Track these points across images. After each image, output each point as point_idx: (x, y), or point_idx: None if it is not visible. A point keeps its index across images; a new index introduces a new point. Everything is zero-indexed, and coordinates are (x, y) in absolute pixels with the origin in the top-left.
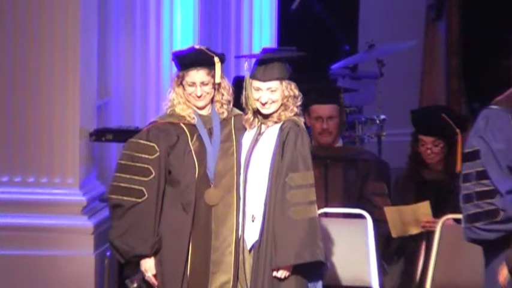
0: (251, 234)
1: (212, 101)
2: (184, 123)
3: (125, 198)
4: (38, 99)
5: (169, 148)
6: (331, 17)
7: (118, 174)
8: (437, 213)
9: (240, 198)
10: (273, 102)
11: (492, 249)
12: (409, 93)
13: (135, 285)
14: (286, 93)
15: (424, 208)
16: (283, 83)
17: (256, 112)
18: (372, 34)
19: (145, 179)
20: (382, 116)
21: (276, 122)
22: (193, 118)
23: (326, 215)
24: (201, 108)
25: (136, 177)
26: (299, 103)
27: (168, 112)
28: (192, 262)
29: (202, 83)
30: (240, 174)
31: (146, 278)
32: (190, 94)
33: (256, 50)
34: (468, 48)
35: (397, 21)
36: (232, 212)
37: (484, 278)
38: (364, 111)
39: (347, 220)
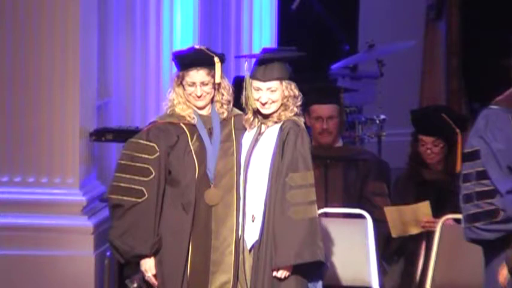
0: (251, 234)
1: (212, 101)
2: (184, 123)
3: (125, 198)
4: (38, 99)
5: (169, 148)
6: (331, 17)
7: (118, 174)
8: (437, 213)
9: (240, 198)
10: (273, 102)
11: (492, 249)
12: (409, 93)
13: (135, 285)
14: (286, 93)
15: (424, 208)
16: (283, 83)
17: (256, 112)
18: (372, 34)
19: (145, 179)
20: (382, 116)
21: (276, 122)
22: (193, 118)
23: (326, 215)
24: (201, 108)
25: (136, 177)
26: (299, 103)
27: (168, 112)
28: (192, 262)
29: (202, 83)
30: (240, 174)
31: (146, 278)
32: (190, 94)
33: (256, 50)
34: (468, 48)
35: (397, 21)
36: (232, 212)
37: (484, 278)
38: (364, 111)
39: (347, 220)
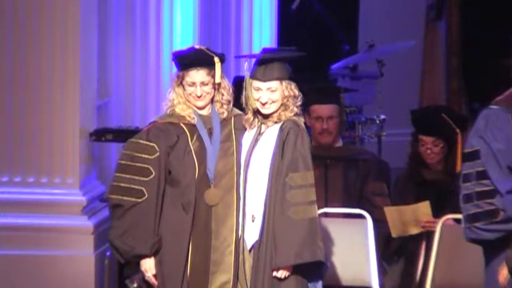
0: (251, 234)
1: (212, 101)
2: (184, 123)
3: (125, 198)
4: (38, 99)
5: (169, 148)
6: (331, 17)
7: (118, 174)
8: (437, 213)
9: (240, 198)
10: (273, 102)
11: (492, 249)
12: (409, 93)
13: (135, 285)
14: (286, 93)
15: (424, 208)
16: (283, 83)
17: (256, 112)
18: (372, 34)
19: (145, 179)
20: (382, 116)
21: (276, 122)
22: (193, 118)
23: (326, 215)
24: (201, 108)
25: (136, 177)
26: (299, 103)
27: (168, 112)
28: (192, 262)
29: (202, 83)
30: (240, 174)
31: (146, 278)
32: (190, 94)
33: (256, 50)
34: (468, 48)
35: (397, 21)
36: (232, 212)
37: (484, 278)
38: (364, 111)
39: (347, 220)
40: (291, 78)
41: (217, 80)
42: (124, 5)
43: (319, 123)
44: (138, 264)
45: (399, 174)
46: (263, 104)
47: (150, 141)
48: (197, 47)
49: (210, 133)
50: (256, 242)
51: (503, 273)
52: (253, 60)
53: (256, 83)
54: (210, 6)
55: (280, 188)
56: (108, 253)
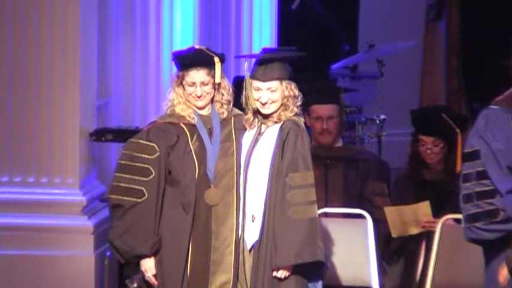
0: (251, 234)
1: (212, 101)
2: (184, 123)
3: (125, 198)
4: (38, 99)
5: (169, 148)
6: (331, 17)
7: (118, 174)
8: (437, 213)
9: (240, 198)
10: (273, 102)
11: (492, 249)
12: (409, 93)
13: (135, 285)
14: (286, 93)
15: (424, 208)
16: (283, 83)
17: (256, 112)
18: (372, 34)
19: (145, 179)
20: (382, 116)
21: (276, 122)
22: (193, 118)
23: (326, 215)
24: (201, 108)
25: (136, 177)
26: (299, 103)
27: (168, 112)
28: (192, 262)
29: (202, 83)
30: (240, 174)
31: (146, 278)
32: (190, 94)
33: (256, 50)
34: (468, 48)
35: (397, 21)
36: (232, 212)
37: (484, 278)
38: (364, 111)
39: (347, 220)
40: (291, 78)
41: (217, 80)
42: (124, 5)
43: (319, 123)
44: (138, 264)
45: (399, 174)
46: (263, 104)
47: (150, 141)
48: (197, 47)
49: (210, 133)
50: (256, 242)
51: (503, 273)
52: (253, 60)
53: (256, 83)
54: (210, 6)
55: (280, 188)
56: (108, 253)
